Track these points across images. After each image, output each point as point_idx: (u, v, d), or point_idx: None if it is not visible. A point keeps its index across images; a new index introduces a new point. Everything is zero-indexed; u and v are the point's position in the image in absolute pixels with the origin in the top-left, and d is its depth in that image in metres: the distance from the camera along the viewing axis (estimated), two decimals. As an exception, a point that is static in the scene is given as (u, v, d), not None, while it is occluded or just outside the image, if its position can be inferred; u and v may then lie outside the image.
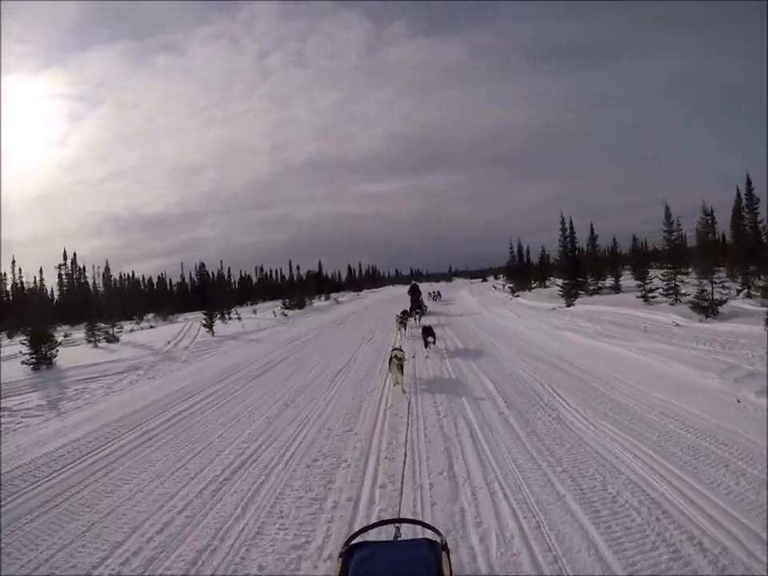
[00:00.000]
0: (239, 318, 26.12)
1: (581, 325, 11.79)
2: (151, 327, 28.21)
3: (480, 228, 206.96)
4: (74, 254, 43.51)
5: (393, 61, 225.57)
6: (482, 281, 66.32)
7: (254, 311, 28.49)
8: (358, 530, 2.23)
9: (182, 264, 67.14)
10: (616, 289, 19.55)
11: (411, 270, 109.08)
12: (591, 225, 23.95)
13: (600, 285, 20.27)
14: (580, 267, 20.62)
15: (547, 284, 28.08)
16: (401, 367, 7.15)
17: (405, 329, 13.38)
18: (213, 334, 18.37)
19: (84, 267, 46.04)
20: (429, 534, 2.12)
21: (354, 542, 2.04)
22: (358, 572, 1.83)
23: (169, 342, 16.24)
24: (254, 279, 60.47)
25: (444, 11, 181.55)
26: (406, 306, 17.08)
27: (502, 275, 56.80)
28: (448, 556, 1.88)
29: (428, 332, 10.00)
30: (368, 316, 21.77)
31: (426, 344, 9.75)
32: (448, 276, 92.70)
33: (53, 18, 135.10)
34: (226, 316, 26.41)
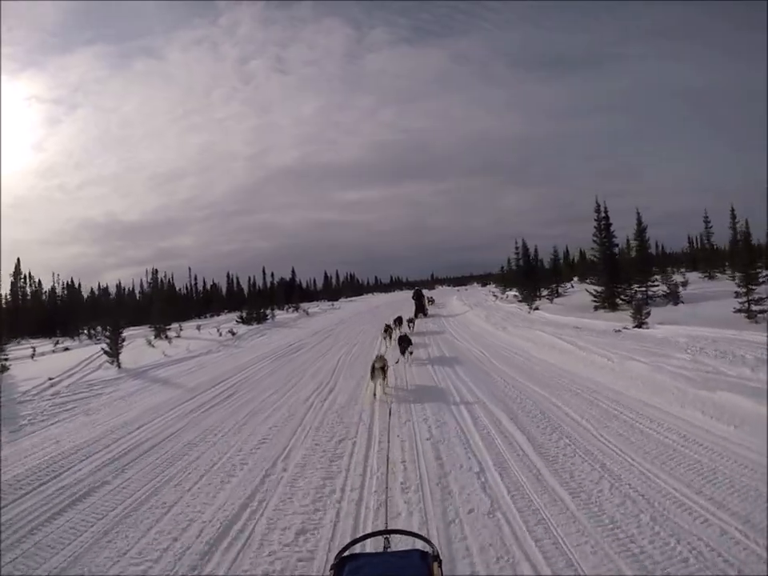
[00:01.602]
0: (178, 336, 20.43)
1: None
2: (65, 349, 22.06)
3: (462, 236, 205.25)
4: (18, 260, 37.47)
5: (375, 68, 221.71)
6: (482, 286, 61.56)
7: (198, 327, 22.52)
8: (349, 542, 2.28)
9: (156, 271, 59.87)
10: (673, 298, 14.47)
11: (392, 278, 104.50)
12: (638, 213, 17.75)
13: (651, 292, 15.29)
14: (622, 269, 15.60)
15: (560, 291, 23.09)
16: (383, 371, 7.19)
17: (391, 339, 12.43)
18: (119, 366, 12.68)
19: (39, 280, 40.40)
20: (420, 545, 2.11)
21: (345, 554, 2.00)
22: None
23: (49, 380, 10.68)
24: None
25: (426, 19, 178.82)
26: (389, 318, 15.34)
27: (492, 282, 52.21)
28: (440, 566, 1.87)
29: (405, 340, 10.19)
30: (338, 338, 16.33)
31: (403, 351, 9.83)
32: (429, 283, 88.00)
33: (34, 18, 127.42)
34: (164, 333, 20.69)
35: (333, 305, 43.00)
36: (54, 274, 43.43)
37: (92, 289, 46.87)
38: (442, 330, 15.22)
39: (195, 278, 51.33)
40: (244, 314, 25.07)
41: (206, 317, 38.89)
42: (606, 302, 15.18)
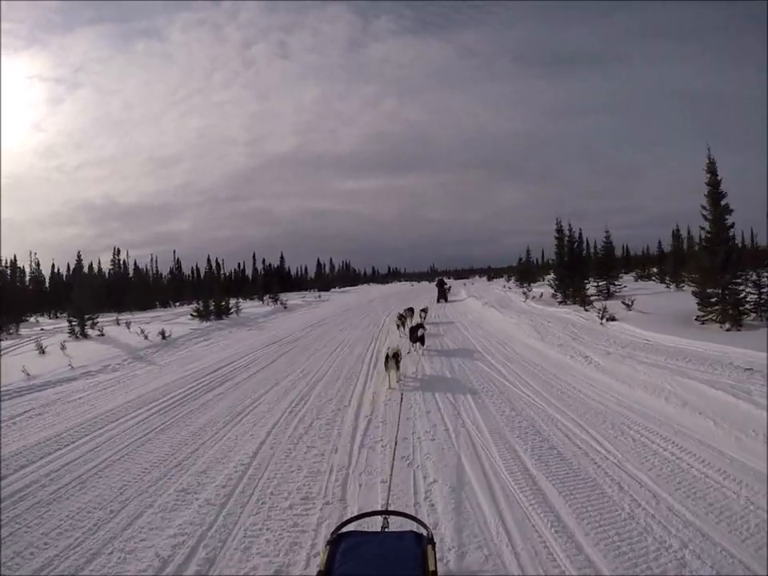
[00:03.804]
0: (101, 334, 14.93)
1: None
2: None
3: (461, 229, 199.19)
4: None
5: (378, 58, 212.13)
6: (489, 279, 55.59)
7: (127, 324, 16.67)
8: (345, 519, 2.47)
9: (152, 256, 53.42)
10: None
11: (389, 269, 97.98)
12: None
13: None
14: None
15: (612, 290, 17.44)
16: (397, 361, 7.04)
17: (404, 328, 11.60)
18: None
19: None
20: (415, 527, 2.24)
21: (342, 530, 2.17)
22: (345, 560, 1.97)
23: None
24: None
25: (432, 11, 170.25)
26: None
27: (507, 275, 46.34)
28: (434, 549, 2.01)
29: (416, 329, 9.68)
30: (309, 358, 10.77)
31: (414, 341, 9.41)
32: (428, 275, 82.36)
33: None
34: (82, 330, 15.16)
35: (320, 296, 37.26)
36: (30, 253, 37.78)
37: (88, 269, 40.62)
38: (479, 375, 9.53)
39: (179, 263, 45.67)
40: (200, 309, 19.41)
41: (171, 306, 33.25)
42: (724, 312, 9.60)
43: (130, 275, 38.19)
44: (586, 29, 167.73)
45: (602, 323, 10.54)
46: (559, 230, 19.64)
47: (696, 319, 10.04)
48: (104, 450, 5.19)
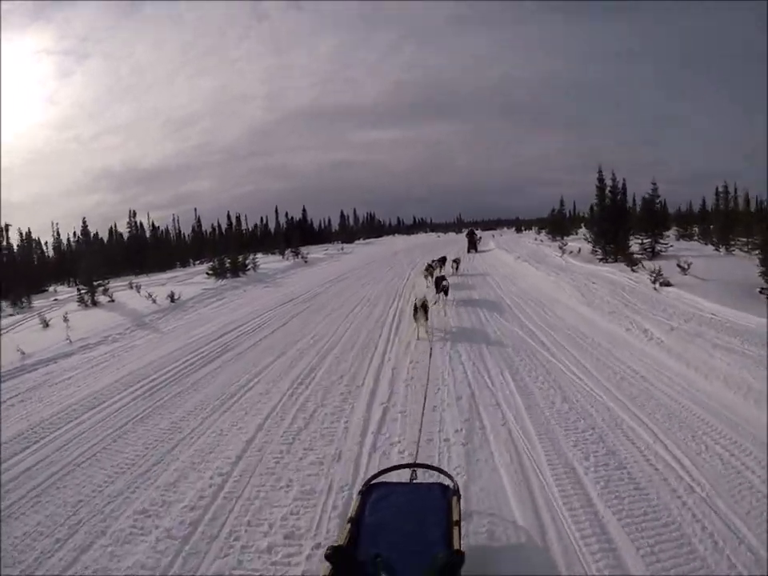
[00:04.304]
0: (111, 300, 14.34)
1: None
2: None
3: (488, 179, 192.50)
4: None
5: (396, 3, 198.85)
6: (517, 231, 52.56)
7: (137, 288, 15.78)
8: (376, 472, 2.63)
9: (173, 216, 52.64)
10: None
11: (415, 219, 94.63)
12: None
13: None
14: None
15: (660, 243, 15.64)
16: (425, 311, 6.88)
17: (432, 278, 11.20)
18: None
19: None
20: (443, 480, 2.45)
21: (373, 481, 2.38)
22: (375, 509, 2.13)
23: None
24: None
25: None
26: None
27: (537, 228, 43.81)
28: (459, 500, 2.18)
29: (441, 280, 9.41)
30: (323, 320, 9.82)
31: (439, 291, 9.03)
32: (455, 226, 79.78)
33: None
34: (91, 297, 14.59)
35: (343, 249, 36.18)
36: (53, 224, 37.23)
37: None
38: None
39: (199, 221, 44.66)
40: (215, 266, 18.61)
41: (191, 265, 32.75)
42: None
43: (148, 237, 37.43)
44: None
45: (655, 288, 9.12)
46: (600, 179, 17.30)
47: (761, 292, 8.53)
48: (72, 449, 4.42)
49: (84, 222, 16.71)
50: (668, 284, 9.11)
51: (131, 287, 14.39)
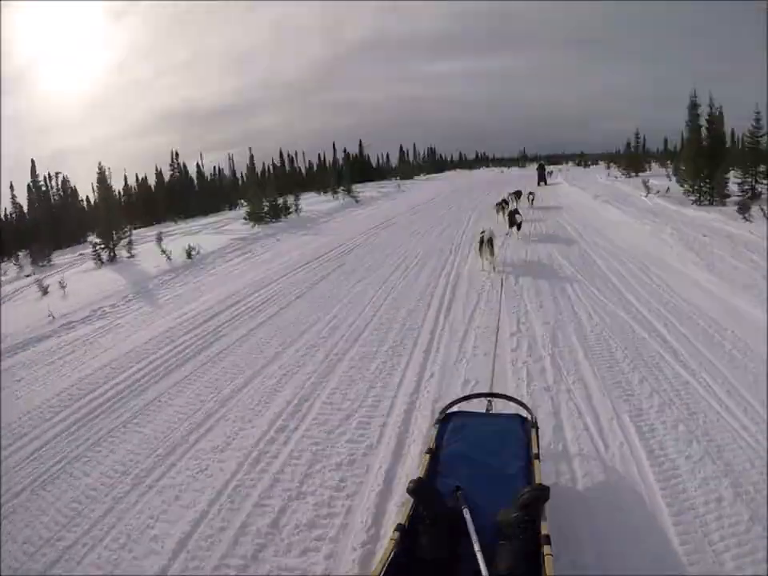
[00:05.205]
0: (131, 256, 13.22)
1: None
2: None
3: (552, 113, 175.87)
4: (32, 161, 29.81)
5: None
6: (585, 166, 48.08)
7: (158, 240, 13.81)
8: (453, 400, 2.50)
9: (228, 155, 50.66)
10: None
11: (477, 154, 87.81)
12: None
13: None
14: None
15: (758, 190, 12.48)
16: (491, 245, 6.88)
17: (504, 213, 11.04)
18: None
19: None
20: (520, 411, 2.31)
21: (450, 410, 2.30)
22: (453, 439, 2.06)
23: None
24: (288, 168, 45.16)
25: None
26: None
27: (607, 163, 38.37)
28: (537, 433, 2.06)
29: (514, 214, 9.67)
30: (354, 287, 7.98)
31: (512, 225, 9.41)
32: (518, 161, 73.22)
33: None
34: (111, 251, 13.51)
35: (399, 186, 33.43)
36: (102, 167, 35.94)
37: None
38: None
39: (252, 160, 42.26)
40: (253, 212, 17.06)
41: (238, 207, 31.44)
42: None
43: (195, 179, 35.76)
44: None
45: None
46: (693, 105, 14.59)
47: None
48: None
49: (100, 168, 14.83)
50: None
51: (158, 239, 13.05)
